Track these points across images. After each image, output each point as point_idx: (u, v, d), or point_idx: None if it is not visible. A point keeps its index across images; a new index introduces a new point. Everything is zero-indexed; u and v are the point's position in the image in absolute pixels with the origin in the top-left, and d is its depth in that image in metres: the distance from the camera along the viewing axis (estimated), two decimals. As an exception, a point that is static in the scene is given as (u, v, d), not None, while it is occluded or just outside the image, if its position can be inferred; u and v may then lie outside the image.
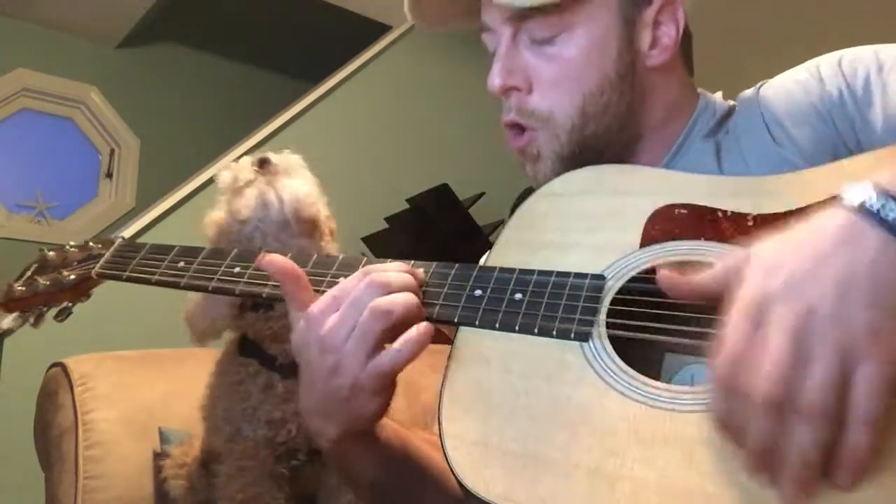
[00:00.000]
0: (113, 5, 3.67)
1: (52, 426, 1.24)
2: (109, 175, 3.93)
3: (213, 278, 0.78)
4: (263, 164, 1.01)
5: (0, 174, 3.66)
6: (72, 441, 1.20)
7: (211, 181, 2.62)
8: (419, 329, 0.62)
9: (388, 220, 2.67)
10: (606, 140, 0.78)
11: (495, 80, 0.78)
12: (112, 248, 0.90)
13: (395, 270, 0.67)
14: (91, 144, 3.94)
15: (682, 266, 0.59)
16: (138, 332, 2.18)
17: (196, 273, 0.80)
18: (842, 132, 0.72)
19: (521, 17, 0.77)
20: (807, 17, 3.00)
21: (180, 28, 4.04)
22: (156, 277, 0.82)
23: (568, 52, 0.76)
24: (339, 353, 0.63)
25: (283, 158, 1.03)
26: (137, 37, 4.00)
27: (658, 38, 0.78)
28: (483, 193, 2.82)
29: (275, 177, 1.01)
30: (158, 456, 1.19)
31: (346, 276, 0.69)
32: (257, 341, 1.03)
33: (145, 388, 1.30)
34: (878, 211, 0.43)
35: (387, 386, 0.65)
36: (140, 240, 1.87)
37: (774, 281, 0.45)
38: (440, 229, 2.65)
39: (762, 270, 0.46)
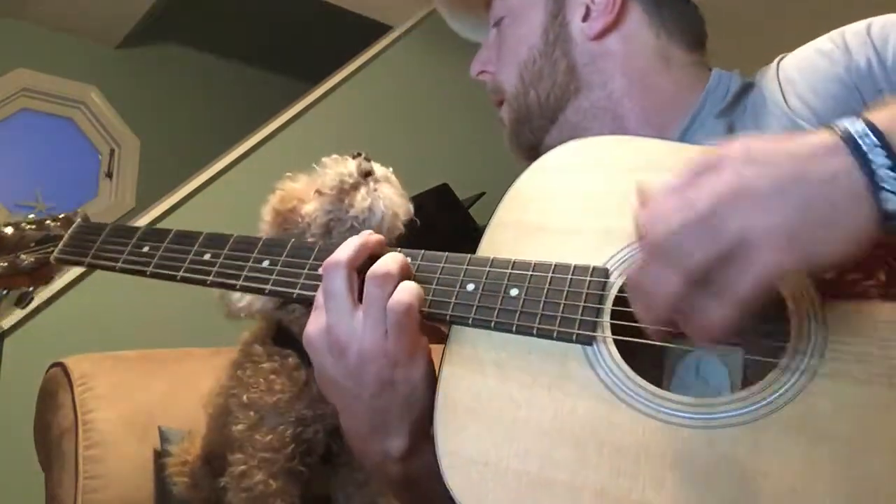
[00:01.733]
0: (113, 5, 3.67)
1: (52, 426, 1.24)
2: (109, 175, 3.93)
3: (181, 266, 0.73)
4: (368, 174, 1.00)
5: (0, 174, 3.65)
6: (72, 441, 1.20)
7: (211, 181, 2.64)
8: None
9: (388, 219, 2.67)
10: (555, 106, 0.84)
11: (471, 67, 0.91)
12: (71, 229, 0.83)
13: (347, 249, 0.63)
14: (91, 144, 3.93)
15: None
16: (138, 332, 2.18)
17: (162, 260, 0.74)
18: (869, 103, 0.68)
19: (488, 4, 0.89)
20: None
21: (180, 28, 4.04)
22: (119, 265, 0.76)
23: (506, 29, 0.87)
24: (356, 343, 0.61)
25: (379, 168, 1.02)
26: (137, 37, 4.00)
27: (591, 9, 0.83)
28: (483, 193, 2.81)
29: (378, 184, 1.00)
30: (159, 455, 1.19)
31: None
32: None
33: (145, 387, 1.30)
34: (859, 141, 0.44)
35: (416, 336, 0.61)
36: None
37: (738, 154, 0.46)
38: (440, 229, 2.65)
39: (740, 141, 0.47)
